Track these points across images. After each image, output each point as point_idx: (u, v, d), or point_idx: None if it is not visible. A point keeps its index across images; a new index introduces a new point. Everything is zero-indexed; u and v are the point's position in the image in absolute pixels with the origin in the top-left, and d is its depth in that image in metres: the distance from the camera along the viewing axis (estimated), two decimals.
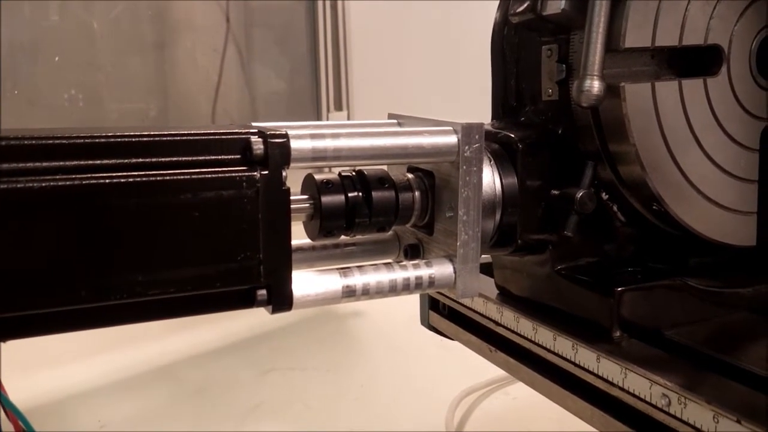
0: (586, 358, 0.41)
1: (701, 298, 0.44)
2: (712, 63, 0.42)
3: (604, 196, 0.45)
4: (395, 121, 0.44)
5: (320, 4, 1.87)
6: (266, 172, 0.33)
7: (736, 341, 0.43)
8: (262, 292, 0.34)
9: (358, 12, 1.96)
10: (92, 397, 0.88)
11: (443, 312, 0.57)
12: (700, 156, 0.42)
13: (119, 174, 0.31)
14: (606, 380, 0.40)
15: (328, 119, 1.80)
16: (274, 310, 0.35)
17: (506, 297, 0.50)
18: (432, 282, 0.39)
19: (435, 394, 0.84)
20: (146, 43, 1.86)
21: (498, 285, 0.51)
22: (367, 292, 0.37)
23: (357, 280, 0.37)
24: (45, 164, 0.30)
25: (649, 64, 0.41)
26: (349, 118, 1.84)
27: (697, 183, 0.42)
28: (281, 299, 0.35)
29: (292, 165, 0.34)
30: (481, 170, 0.38)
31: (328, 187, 0.39)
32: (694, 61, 0.42)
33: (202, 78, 1.95)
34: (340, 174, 0.40)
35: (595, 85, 0.38)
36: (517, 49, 0.47)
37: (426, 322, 0.59)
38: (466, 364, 0.78)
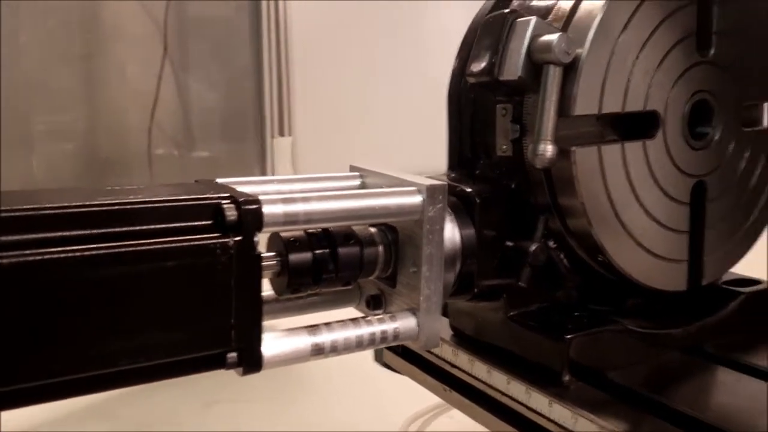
0: (538, 402, 0.44)
1: (639, 340, 0.47)
2: (650, 127, 0.45)
3: (552, 244, 0.47)
4: (357, 173, 0.46)
5: (264, 25, 1.85)
6: (239, 238, 0.34)
7: (669, 381, 0.46)
8: (233, 355, 0.35)
9: (301, 39, 1.95)
10: None
11: (397, 350, 0.58)
12: (640, 211, 0.45)
13: (87, 247, 0.30)
14: (558, 424, 0.42)
15: (272, 145, 1.78)
16: (245, 372, 0.36)
17: (460, 338, 0.52)
18: (396, 336, 0.40)
19: (384, 420, 0.85)
20: (75, 54, 1.79)
21: (452, 326, 0.53)
22: (335, 349, 0.38)
23: (325, 337, 0.38)
24: (4, 239, 0.29)
25: (596, 127, 0.44)
26: (293, 145, 1.82)
27: (638, 236, 0.45)
28: (252, 361, 0.35)
29: (264, 229, 0.35)
30: (443, 228, 0.40)
31: (295, 245, 0.39)
32: (635, 125, 0.45)
33: (132, 91, 1.90)
34: (306, 231, 0.41)
35: (548, 149, 0.41)
36: (472, 104, 0.49)
37: (380, 360, 0.61)
38: (414, 390, 0.80)
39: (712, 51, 0.47)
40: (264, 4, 1.85)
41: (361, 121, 2.04)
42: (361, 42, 2.03)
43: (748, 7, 0.48)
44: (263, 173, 1.81)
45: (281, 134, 1.78)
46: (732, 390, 0.45)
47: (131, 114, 1.91)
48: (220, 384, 0.96)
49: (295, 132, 1.81)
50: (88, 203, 0.31)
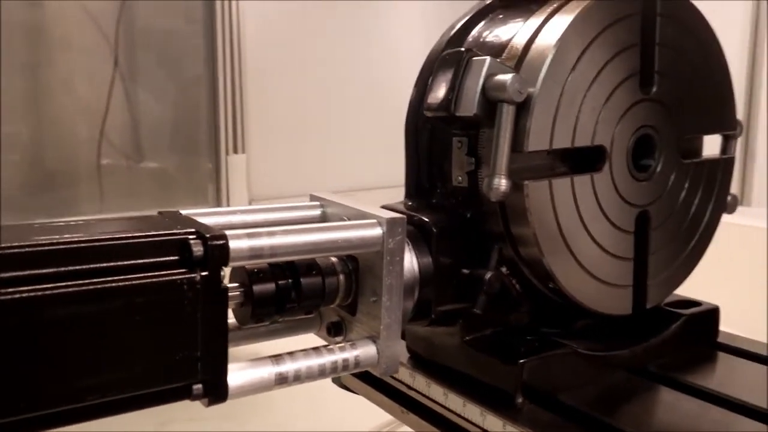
0: (493, 424, 0.45)
1: (588, 362, 0.50)
2: (597, 160, 0.48)
3: (505, 271, 0.49)
4: (318, 203, 0.47)
5: (219, 41, 1.84)
6: (206, 273, 0.35)
7: (616, 402, 0.49)
8: (198, 387, 0.35)
9: (256, 56, 1.94)
10: None
11: None
12: (588, 240, 0.48)
13: (56, 285, 0.31)
14: None
15: (227, 162, 1.77)
16: (210, 403, 0.36)
17: (417, 361, 0.53)
18: (357, 363, 0.41)
19: None
20: (20, 63, 1.75)
21: (410, 348, 0.54)
22: (298, 378, 0.39)
23: (289, 367, 0.39)
24: None
25: (547, 161, 0.46)
26: (248, 162, 1.82)
27: (586, 264, 0.48)
28: (217, 393, 0.36)
29: (230, 264, 0.36)
30: (402, 259, 0.41)
31: (258, 276, 0.40)
32: (583, 159, 0.47)
33: (81, 102, 1.86)
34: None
35: (502, 183, 0.43)
36: (429, 134, 0.51)
37: (338, 380, 0.62)
38: (368, 406, 0.81)
39: (654, 89, 0.50)
40: (218, 17, 1.85)
41: (316, 138, 2.05)
42: (315, 58, 2.05)
43: (684, 49, 0.51)
44: (217, 191, 1.80)
45: (235, 151, 1.78)
46: (673, 409, 0.47)
47: (79, 125, 1.87)
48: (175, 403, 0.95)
49: (249, 149, 1.81)
50: (55, 241, 0.32)
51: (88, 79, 1.86)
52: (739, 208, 0.60)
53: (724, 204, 0.57)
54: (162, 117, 1.88)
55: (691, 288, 0.57)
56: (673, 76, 0.51)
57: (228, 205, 1.82)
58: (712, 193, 0.56)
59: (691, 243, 0.55)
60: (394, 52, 2.14)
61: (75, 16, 1.80)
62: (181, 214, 0.41)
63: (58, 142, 1.84)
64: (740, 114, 0.56)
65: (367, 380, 0.58)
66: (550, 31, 0.46)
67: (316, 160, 2.04)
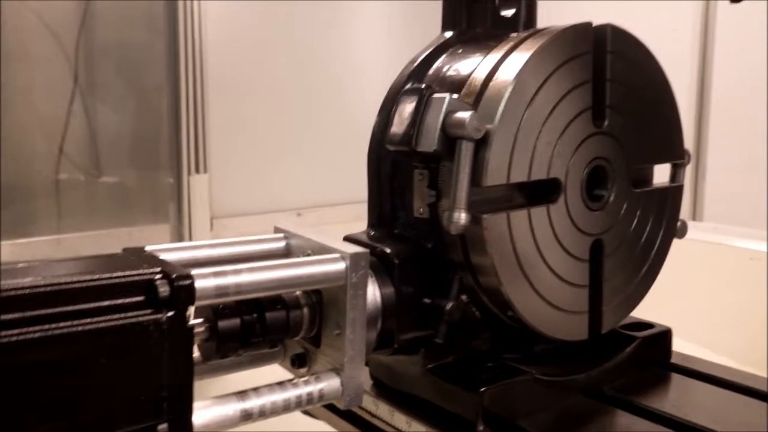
0: None
1: (546, 387, 0.51)
2: (553, 192, 0.49)
3: (466, 299, 0.51)
4: (282, 235, 0.48)
5: (182, 55, 1.83)
6: (172, 313, 0.35)
7: (574, 426, 0.50)
8: (164, 426, 0.36)
9: (217, 76, 1.94)
10: None
11: None
12: (545, 269, 0.49)
13: (20, 330, 0.31)
14: None
15: (188, 183, 1.76)
16: None
17: (380, 388, 0.54)
18: (321, 396, 0.42)
19: None
20: None
21: (373, 376, 0.55)
22: (263, 414, 0.40)
23: (254, 402, 0.39)
24: None
25: (505, 194, 0.48)
26: (210, 182, 1.80)
27: (543, 292, 0.49)
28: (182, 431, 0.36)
29: (196, 303, 0.36)
30: (365, 293, 0.42)
31: (224, 312, 0.41)
32: (540, 192, 0.49)
33: (38, 116, 1.83)
34: None
35: (462, 217, 0.44)
36: (391, 165, 0.52)
37: None
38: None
39: (606, 122, 0.52)
40: (181, 34, 1.84)
41: (278, 155, 2.05)
42: (278, 76, 2.05)
43: (633, 84, 0.53)
44: (179, 210, 1.79)
45: (197, 171, 1.77)
46: None
47: (37, 139, 1.83)
48: None
49: (211, 169, 1.80)
50: (19, 285, 0.32)
51: (46, 93, 1.82)
52: (691, 223, 0.63)
53: (675, 229, 0.60)
54: (122, 132, 1.86)
55: (647, 302, 0.59)
56: (623, 110, 0.53)
57: (189, 223, 1.81)
58: (662, 219, 0.58)
59: (644, 268, 0.57)
60: (359, 69, 2.16)
61: (33, 28, 1.76)
62: (145, 251, 0.41)
63: (15, 156, 1.80)
64: (689, 136, 0.58)
65: (331, 407, 0.58)
66: (508, 68, 0.48)
67: (278, 177, 2.04)
